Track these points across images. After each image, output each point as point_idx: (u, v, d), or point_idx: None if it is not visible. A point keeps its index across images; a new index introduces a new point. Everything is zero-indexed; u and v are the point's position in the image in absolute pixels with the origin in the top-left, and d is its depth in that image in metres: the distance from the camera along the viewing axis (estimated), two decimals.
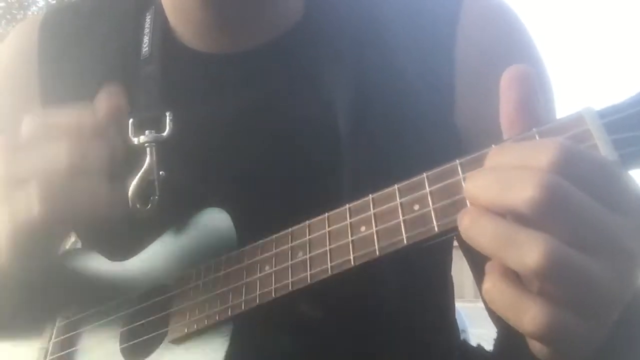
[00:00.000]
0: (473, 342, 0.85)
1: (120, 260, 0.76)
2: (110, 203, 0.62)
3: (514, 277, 0.43)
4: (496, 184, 0.43)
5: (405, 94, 0.75)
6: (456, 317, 0.88)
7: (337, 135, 0.73)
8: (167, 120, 0.75)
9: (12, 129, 0.85)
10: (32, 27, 0.88)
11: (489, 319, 0.77)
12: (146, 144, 0.74)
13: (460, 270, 0.81)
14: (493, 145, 0.48)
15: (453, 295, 0.86)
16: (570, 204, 0.40)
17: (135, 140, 0.74)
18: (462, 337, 0.89)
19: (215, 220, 0.69)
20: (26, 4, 13.28)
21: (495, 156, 0.45)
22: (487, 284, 0.44)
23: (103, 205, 0.60)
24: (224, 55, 0.79)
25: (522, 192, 0.41)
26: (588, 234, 0.41)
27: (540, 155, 0.42)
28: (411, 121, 0.74)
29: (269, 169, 0.75)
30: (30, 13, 12.94)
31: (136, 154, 0.74)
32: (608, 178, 0.42)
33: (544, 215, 0.40)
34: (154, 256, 0.74)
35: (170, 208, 0.72)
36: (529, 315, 0.41)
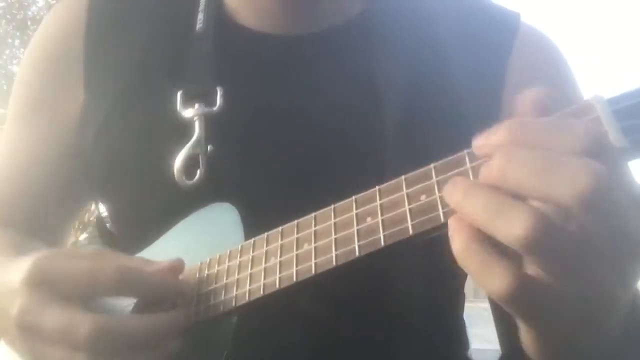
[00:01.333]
0: (473, 342, 0.85)
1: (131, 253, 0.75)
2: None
3: (484, 237, 0.42)
4: (533, 163, 0.41)
5: (454, 107, 0.75)
6: None
7: (383, 133, 0.73)
8: (218, 95, 0.75)
9: (52, 107, 0.86)
10: (81, 1, 0.87)
11: (488, 319, 0.77)
12: (195, 117, 0.74)
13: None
14: None
15: (463, 306, 0.86)
16: (611, 204, 0.40)
17: (184, 113, 0.74)
18: None
19: (224, 217, 0.69)
20: (26, 4, 13.27)
21: (531, 129, 0.43)
22: (458, 245, 0.43)
23: None
24: (279, 37, 0.79)
25: (569, 183, 0.39)
26: (612, 230, 0.40)
27: (573, 141, 0.41)
28: (456, 135, 0.73)
29: (309, 157, 0.75)
30: (30, 13, 12.96)
31: (184, 126, 0.74)
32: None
33: (585, 211, 0.39)
34: (162, 250, 0.73)
35: (215, 183, 0.72)
36: (497, 276, 0.41)
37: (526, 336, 0.47)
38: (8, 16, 13.10)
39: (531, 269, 0.43)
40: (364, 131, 0.74)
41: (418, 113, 0.75)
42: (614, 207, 0.40)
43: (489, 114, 0.67)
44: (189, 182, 0.72)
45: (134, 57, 0.81)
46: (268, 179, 0.73)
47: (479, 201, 0.42)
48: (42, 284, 0.59)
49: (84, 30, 0.85)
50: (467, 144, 0.47)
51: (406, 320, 0.74)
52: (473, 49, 0.79)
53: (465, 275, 0.81)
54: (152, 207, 0.77)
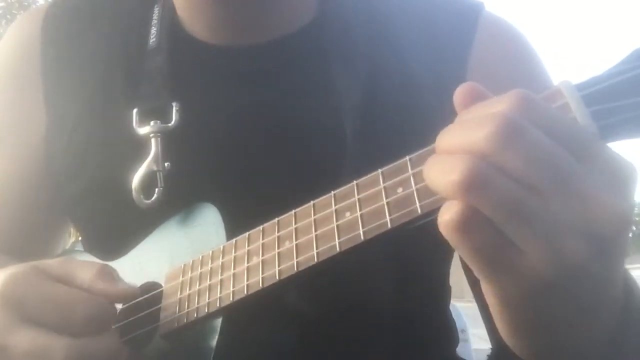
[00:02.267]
0: (473, 342, 0.85)
1: (112, 260, 0.75)
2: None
3: None
4: (459, 128, 0.43)
5: (415, 104, 0.74)
6: (456, 317, 0.88)
7: (342, 138, 0.72)
8: (174, 111, 0.74)
9: (14, 128, 0.85)
10: (35, 20, 0.86)
11: None
12: (151, 135, 0.73)
13: (460, 270, 0.81)
14: None
15: (449, 301, 0.85)
16: (527, 140, 0.40)
17: (139, 131, 0.73)
18: (461, 337, 0.88)
19: (205, 217, 0.68)
20: (26, 4, 13.28)
21: (463, 114, 0.45)
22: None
23: None
24: (233, 48, 0.78)
25: (481, 130, 0.40)
26: (544, 172, 0.40)
27: (500, 101, 0.42)
28: (419, 131, 0.72)
29: (270, 167, 0.74)
30: None
31: (140, 144, 0.73)
32: (569, 125, 0.41)
33: (501, 150, 0.40)
34: (145, 254, 0.73)
35: (174, 200, 0.71)
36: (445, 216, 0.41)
37: (492, 305, 0.46)
38: (8, 16, 13.12)
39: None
40: (323, 138, 0.73)
41: (378, 114, 0.73)
42: (532, 145, 0.40)
43: (450, 109, 0.68)
44: (147, 201, 0.71)
45: (92, 76, 0.80)
46: (226, 193, 0.71)
47: (426, 167, 0.44)
48: (12, 304, 0.58)
49: (40, 52, 0.84)
50: (430, 139, 0.47)
51: (389, 315, 0.73)
52: (433, 44, 0.77)
53: (448, 271, 0.81)
54: (115, 228, 0.77)
